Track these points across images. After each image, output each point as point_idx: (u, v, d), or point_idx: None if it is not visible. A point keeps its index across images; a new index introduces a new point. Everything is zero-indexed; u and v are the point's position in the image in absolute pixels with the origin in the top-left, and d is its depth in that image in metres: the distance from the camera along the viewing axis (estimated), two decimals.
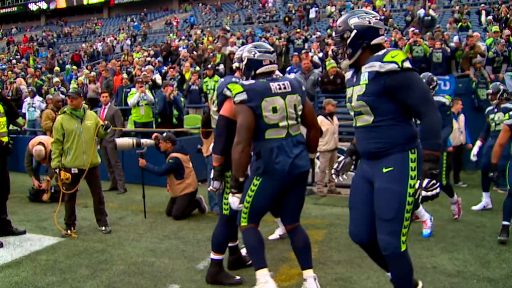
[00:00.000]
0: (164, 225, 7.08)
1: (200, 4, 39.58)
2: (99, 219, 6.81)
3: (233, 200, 3.95)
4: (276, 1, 33.68)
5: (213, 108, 4.45)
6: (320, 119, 9.09)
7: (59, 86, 16.22)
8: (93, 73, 17.11)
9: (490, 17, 17.89)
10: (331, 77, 11.22)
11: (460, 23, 17.73)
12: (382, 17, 16.53)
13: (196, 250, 5.75)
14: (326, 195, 9.25)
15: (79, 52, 27.13)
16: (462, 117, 10.12)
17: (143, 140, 7.56)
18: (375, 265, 4.95)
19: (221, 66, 15.15)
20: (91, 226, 6.98)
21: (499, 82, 9.53)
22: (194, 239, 6.25)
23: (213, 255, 4.55)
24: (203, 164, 7.86)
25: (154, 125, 11.29)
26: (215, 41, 20.59)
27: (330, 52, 13.99)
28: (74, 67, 21.70)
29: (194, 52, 18.19)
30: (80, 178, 6.54)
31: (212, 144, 4.33)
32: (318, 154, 9.65)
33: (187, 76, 14.47)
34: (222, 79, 4.30)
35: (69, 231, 6.51)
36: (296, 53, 13.62)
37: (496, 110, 8.03)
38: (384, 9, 23.70)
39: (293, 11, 27.57)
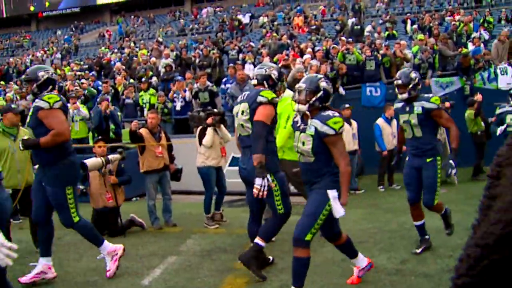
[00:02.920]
0: None
1: (132, 17, 39.14)
2: (36, 240, 6.43)
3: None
4: (208, 13, 33.81)
5: (244, 117, 4.90)
6: None
7: None
8: (24, 89, 16.52)
9: (415, 26, 18.66)
10: None
11: (387, 32, 18.42)
12: (313, 27, 16.83)
13: (139, 266, 5.70)
14: None
15: (5, 67, 26.10)
16: (395, 121, 10.49)
17: (110, 156, 7.31)
18: (318, 269, 5.11)
19: (154, 79, 15.05)
20: (27, 248, 6.68)
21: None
22: (137, 255, 6.18)
23: (257, 240, 4.94)
24: (141, 179, 7.81)
25: (91, 141, 11.08)
26: (149, 53, 20.43)
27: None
28: (2, 82, 20.88)
29: (123, 66, 17.93)
30: (15, 199, 6.30)
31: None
32: None
33: (120, 89, 14.25)
34: (248, 92, 5.04)
35: None
36: (231, 64, 13.72)
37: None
38: (315, 19, 24.25)
39: (227, 22, 27.78)
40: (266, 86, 5.01)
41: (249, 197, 5.12)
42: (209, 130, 7.45)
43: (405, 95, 5.67)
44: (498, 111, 9.49)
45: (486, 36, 15.42)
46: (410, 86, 5.69)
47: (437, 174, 5.66)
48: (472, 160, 10.85)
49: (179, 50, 19.24)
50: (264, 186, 4.54)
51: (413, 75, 5.70)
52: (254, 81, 5.13)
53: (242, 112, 4.92)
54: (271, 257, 5.49)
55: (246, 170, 4.98)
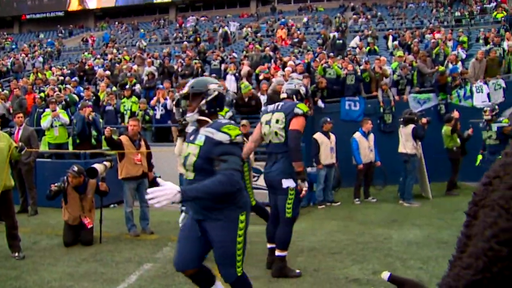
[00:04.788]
0: (82, 248, 6.97)
1: (117, 23, 39.10)
2: (12, 244, 6.46)
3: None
4: (191, 22, 33.93)
5: (279, 126, 5.28)
6: None
7: None
8: (5, 91, 16.45)
9: (396, 42, 18.99)
10: (246, 99, 11.48)
11: (368, 47, 18.71)
12: (296, 40, 17.09)
13: (115, 272, 5.74)
14: None
15: None
16: (372, 136, 10.69)
17: (106, 163, 7.28)
18: (290, 279, 5.23)
19: (138, 86, 15.10)
20: (2, 252, 6.64)
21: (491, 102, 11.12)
22: (113, 261, 6.22)
23: (278, 252, 5.37)
24: (120, 187, 7.87)
25: (70, 146, 11.07)
26: (132, 60, 20.46)
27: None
28: None
29: (108, 72, 17.92)
30: None
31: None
32: None
33: (101, 96, 14.26)
34: (282, 103, 5.44)
35: None
36: (213, 74, 13.83)
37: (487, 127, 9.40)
38: (298, 32, 24.51)
39: (207, 32, 27.94)
40: (294, 100, 5.51)
41: (271, 200, 5.60)
42: (179, 140, 7.61)
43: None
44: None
45: (463, 54, 15.77)
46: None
47: None
48: (447, 175, 11.07)
49: (162, 59, 19.32)
50: (308, 187, 5.22)
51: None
52: (284, 95, 5.60)
53: (277, 121, 5.31)
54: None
55: (271, 174, 5.38)
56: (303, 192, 5.19)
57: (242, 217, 3.66)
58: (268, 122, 5.41)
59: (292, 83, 5.75)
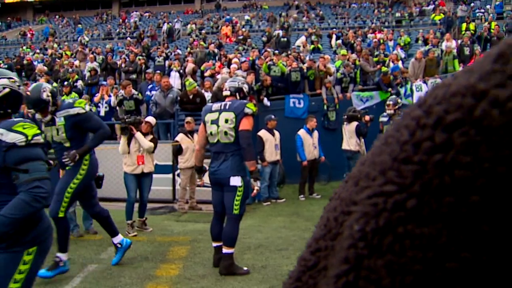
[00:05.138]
0: None
1: (57, 17, 37.94)
2: None
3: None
4: (135, 17, 33.39)
5: (229, 125, 5.30)
6: (180, 136, 9.32)
7: None
8: None
9: (339, 41, 19.32)
10: (191, 96, 11.37)
11: (313, 45, 18.94)
12: (241, 37, 17.06)
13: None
14: (188, 211, 9.37)
15: None
16: (316, 133, 10.83)
17: None
18: (239, 276, 5.24)
19: (80, 83, 14.71)
20: None
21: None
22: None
23: (225, 250, 5.38)
24: None
25: None
26: (73, 56, 19.94)
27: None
28: None
29: (45, 68, 17.39)
30: None
31: None
32: (178, 171, 9.81)
33: None
34: (229, 103, 5.42)
35: None
36: (158, 71, 13.64)
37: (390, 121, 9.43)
38: (243, 29, 24.55)
39: (150, 29, 27.55)
40: (237, 97, 5.52)
41: (215, 198, 5.62)
42: (122, 138, 7.52)
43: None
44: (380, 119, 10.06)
45: (402, 54, 16.23)
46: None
47: None
48: None
49: (104, 54, 18.91)
50: (260, 186, 5.41)
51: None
52: (227, 93, 5.59)
53: (226, 121, 5.32)
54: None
55: (219, 172, 5.39)
56: (255, 191, 5.35)
57: (27, 257, 2.91)
58: (214, 122, 5.41)
59: (235, 81, 5.78)
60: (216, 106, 5.55)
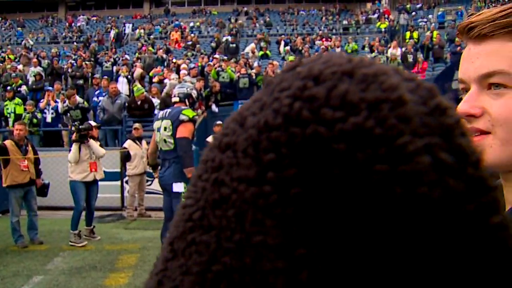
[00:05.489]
0: None
1: (0, 19, 36.78)
2: None
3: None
4: (82, 21, 32.78)
5: (167, 133, 5.39)
6: (128, 143, 9.23)
7: None
8: None
9: (287, 48, 19.58)
10: (139, 102, 11.26)
11: (261, 51, 19.12)
12: (190, 43, 17.07)
13: (1, 287, 5.44)
14: (137, 218, 9.27)
15: None
16: None
17: None
18: None
19: (24, 88, 14.33)
20: None
21: None
22: None
23: None
24: (5, 195, 7.46)
25: None
26: (17, 60, 19.40)
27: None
28: None
29: None
30: None
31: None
32: (127, 178, 9.71)
33: None
34: (170, 110, 5.58)
35: None
36: (105, 77, 13.46)
37: None
38: (192, 35, 24.50)
39: (97, 33, 27.12)
40: (186, 104, 5.64)
41: (165, 204, 5.71)
42: (73, 146, 7.37)
43: None
44: None
45: None
46: None
47: None
48: None
49: (50, 59, 18.50)
50: None
51: None
52: (176, 99, 5.69)
53: (165, 128, 5.42)
54: None
55: (163, 179, 5.54)
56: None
57: None
58: (158, 129, 5.56)
59: (183, 87, 5.91)
60: (162, 113, 5.70)
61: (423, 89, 0.29)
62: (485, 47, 0.83)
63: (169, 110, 5.60)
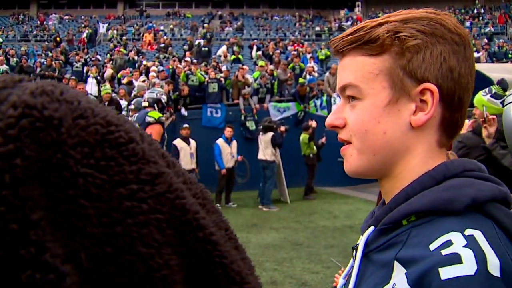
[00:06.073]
0: None
1: None
2: None
3: None
4: (54, 20, 32.37)
5: None
6: None
7: None
8: None
9: (259, 52, 19.63)
10: (106, 103, 11.16)
11: (233, 56, 19.15)
12: (162, 45, 17.02)
13: None
14: None
15: None
16: (234, 142, 10.99)
17: None
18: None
19: None
20: None
21: None
22: None
23: None
24: None
25: None
26: None
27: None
28: None
29: None
30: None
31: None
32: None
33: None
34: (137, 114, 5.80)
35: None
36: (73, 77, 13.33)
37: None
38: (165, 37, 24.40)
39: (68, 33, 26.81)
40: (156, 108, 5.81)
41: None
42: None
43: None
44: None
45: (316, 67, 16.80)
46: None
47: None
48: (304, 180, 11.70)
49: (19, 57, 18.24)
50: None
51: None
52: (145, 103, 5.86)
53: None
54: None
55: None
56: None
57: None
58: None
59: (153, 92, 6.11)
60: (131, 118, 5.87)
61: None
62: (342, 62, 0.91)
63: (135, 115, 5.79)
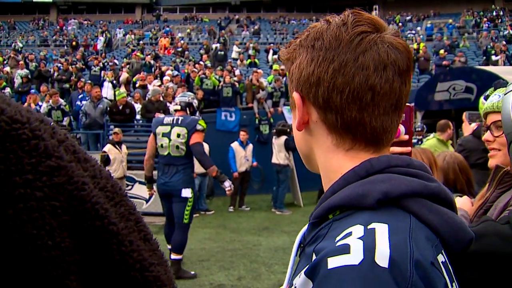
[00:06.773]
0: None
1: None
2: None
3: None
4: (73, 25, 32.79)
5: (181, 140, 5.61)
6: (108, 147, 9.26)
7: None
8: None
9: (275, 56, 19.65)
10: (120, 107, 11.26)
11: (249, 60, 19.21)
12: (179, 49, 17.10)
13: None
14: None
15: None
16: (250, 146, 11.03)
17: None
18: None
19: (8, 90, 14.33)
20: None
21: None
22: None
23: (174, 256, 5.69)
24: None
25: None
26: (5, 62, 19.39)
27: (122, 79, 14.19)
28: None
29: None
30: None
31: None
32: None
33: None
34: (181, 118, 5.72)
35: None
36: (89, 81, 13.45)
37: None
38: (182, 42, 24.56)
39: (85, 38, 27.14)
40: (187, 112, 5.85)
41: (166, 210, 6.01)
42: None
43: None
44: None
45: None
46: None
47: None
48: (318, 184, 11.67)
49: (37, 62, 18.52)
50: (231, 184, 5.86)
51: None
52: (177, 107, 5.91)
53: (178, 135, 5.62)
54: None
55: (170, 184, 5.71)
56: (227, 192, 5.88)
57: None
58: (166, 135, 5.70)
59: (185, 96, 6.15)
60: (168, 119, 5.80)
61: None
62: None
63: (180, 118, 5.71)
